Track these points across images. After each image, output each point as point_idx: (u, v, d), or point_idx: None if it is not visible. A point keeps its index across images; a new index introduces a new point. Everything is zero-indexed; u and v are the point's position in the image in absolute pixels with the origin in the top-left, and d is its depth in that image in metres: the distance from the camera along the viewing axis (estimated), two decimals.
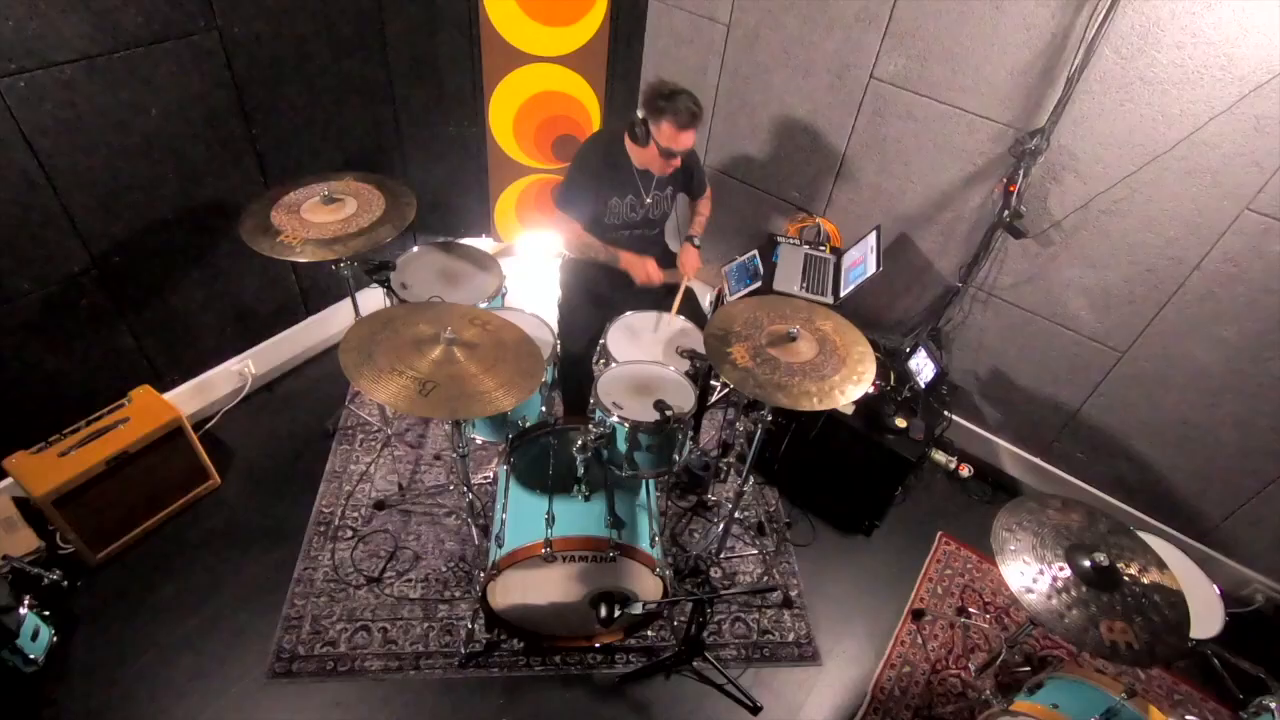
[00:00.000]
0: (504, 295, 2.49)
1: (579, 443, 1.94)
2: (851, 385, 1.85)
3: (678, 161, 2.34)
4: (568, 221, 2.39)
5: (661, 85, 2.22)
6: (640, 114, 2.24)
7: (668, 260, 2.62)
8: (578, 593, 2.08)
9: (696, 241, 2.55)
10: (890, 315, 3.01)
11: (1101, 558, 1.69)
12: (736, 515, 2.53)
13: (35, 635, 2.09)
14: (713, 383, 2.86)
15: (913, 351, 2.70)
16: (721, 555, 2.59)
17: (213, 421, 2.86)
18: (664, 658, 2.28)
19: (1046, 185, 2.40)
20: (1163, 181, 2.19)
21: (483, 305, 2.32)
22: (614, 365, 2.17)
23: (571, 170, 2.41)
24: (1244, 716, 2.06)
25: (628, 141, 2.34)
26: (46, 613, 2.18)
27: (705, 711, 2.23)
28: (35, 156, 2.05)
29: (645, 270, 2.43)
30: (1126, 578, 1.71)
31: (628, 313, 2.41)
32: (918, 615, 2.54)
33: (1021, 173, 2.34)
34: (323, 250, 2.06)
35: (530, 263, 3.56)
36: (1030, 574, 1.71)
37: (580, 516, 2.01)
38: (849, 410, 2.55)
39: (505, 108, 3.12)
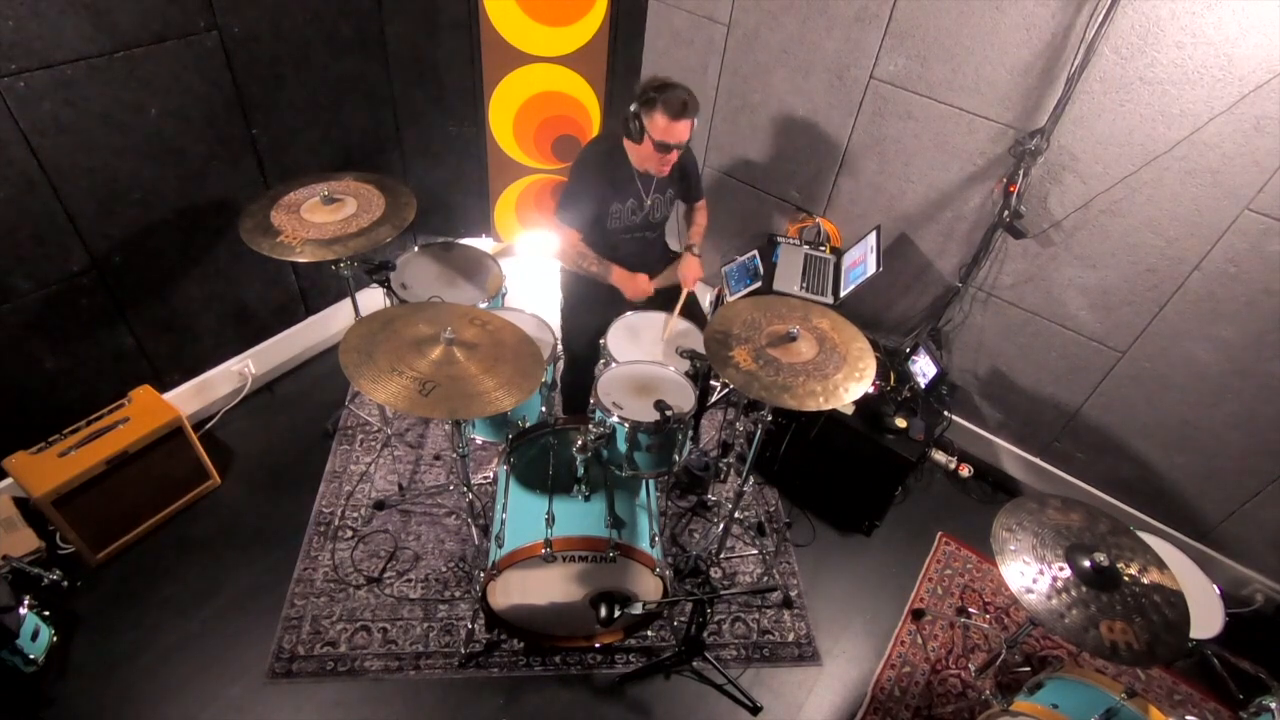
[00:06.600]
0: (504, 295, 2.49)
1: (579, 443, 1.94)
2: (854, 383, 1.86)
3: (674, 157, 2.26)
4: (565, 229, 2.38)
5: (655, 79, 2.19)
6: (634, 107, 2.19)
7: (668, 261, 2.62)
8: (578, 593, 2.08)
9: (696, 250, 2.51)
10: (890, 315, 3.01)
11: (1101, 558, 1.69)
12: (736, 515, 2.53)
13: (35, 635, 2.09)
14: (713, 383, 2.86)
15: (913, 352, 2.70)
16: (721, 555, 2.59)
17: (213, 421, 2.86)
18: (664, 658, 2.28)
19: (1046, 185, 2.40)
20: (1163, 181, 2.19)
21: (483, 305, 2.32)
22: (614, 365, 2.17)
23: (571, 176, 2.40)
24: (1244, 716, 2.06)
25: (626, 143, 2.32)
26: (46, 613, 2.18)
27: (705, 711, 2.23)
28: (35, 156, 2.05)
29: (636, 286, 2.40)
30: (1126, 578, 1.71)
31: (628, 313, 2.41)
32: (918, 615, 2.54)
33: (1021, 173, 2.34)
34: (323, 250, 2.06)
35: (530, 263, 3.56)
36: (1030, 574, 1.71)
37: (580, 516, 2.01)
38: (849, 410, 2.55)
39: (505, 108, 3.12)
